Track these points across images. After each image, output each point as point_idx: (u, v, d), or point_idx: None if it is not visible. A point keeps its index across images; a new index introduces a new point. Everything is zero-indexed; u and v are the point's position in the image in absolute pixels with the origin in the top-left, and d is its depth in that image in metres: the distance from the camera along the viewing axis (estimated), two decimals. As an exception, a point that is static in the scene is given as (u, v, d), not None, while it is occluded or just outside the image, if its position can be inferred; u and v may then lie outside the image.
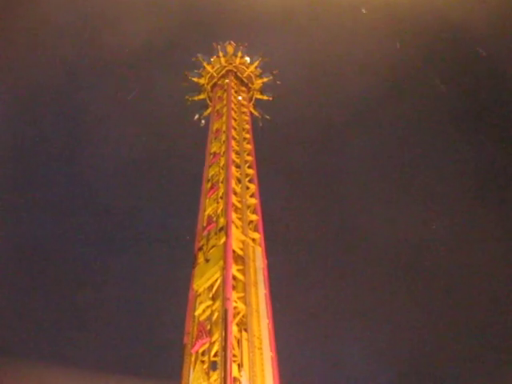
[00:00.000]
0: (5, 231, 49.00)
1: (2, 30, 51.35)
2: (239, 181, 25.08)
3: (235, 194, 23.69)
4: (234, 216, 21.58)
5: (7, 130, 52.18)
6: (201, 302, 18.42)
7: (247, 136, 30.38)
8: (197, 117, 36.78)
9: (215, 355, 16.09)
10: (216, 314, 17.30)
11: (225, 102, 33.29)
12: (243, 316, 17.41)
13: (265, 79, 37.91)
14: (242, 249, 20.09)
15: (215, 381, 15.26)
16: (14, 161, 53.66)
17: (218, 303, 17.55)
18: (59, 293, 46.64)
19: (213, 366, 15.92)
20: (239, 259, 19.70)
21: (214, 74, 37.24)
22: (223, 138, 28.91)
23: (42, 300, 46.15)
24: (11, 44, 52.96)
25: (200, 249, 21.08)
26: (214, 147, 28.84)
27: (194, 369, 16.30)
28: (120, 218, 53.23)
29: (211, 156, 28.05)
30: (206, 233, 21.69)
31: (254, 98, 37.22)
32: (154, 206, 53.36)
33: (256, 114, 36.75)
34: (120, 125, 54.21)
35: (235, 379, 14.98)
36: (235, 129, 30.09)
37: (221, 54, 37.76)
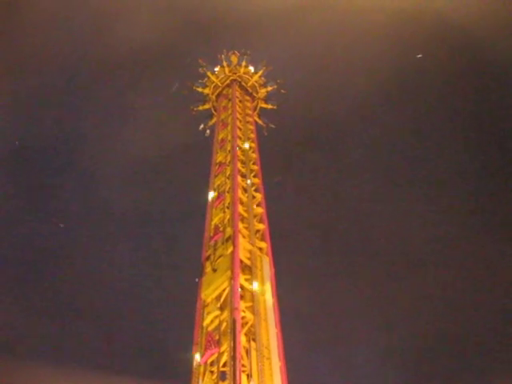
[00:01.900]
0: (8, 233, 49.22)
1: (2, 32, 51.70)
2: (245, 190, 25.11)
3: (242, 203, 23.71)
4: (240, 225, 21.61)
5: (13, 131, 52.47)
6: (209, 312, 18.47)
7: (252, 145, 30.44)
8: (202, 127, 36.87)
9: (224, 365, 16.08)
10: (224, 324, 17.29)
11: (230, 111, 33.38)
12: (251, 326, 17.41)
13: (269, 88, 37.99)
14: (249, 258, 20.10)
15: (224, 391, 15.25)
16: (17, 164, 54.04)
17: (226, 313, 17.56)
18: (65, 299, 46.80)
19: (222, 376, 15.92)
20: (246, 268, 19.72)
21: (219, 84, 37.36)
22: (228, 147, 28.99)
23: (47, 305, 46.30)
24: (13, 45, 53.30)
25: (207, 258, 21.12)
26: (219, 157, 28.91)
27: (203, 379, 16.30)
28: (127, 227, 53.38)
29: (217, 166, 28.12)
30: (213, 242, 21.73)
31: (258, 107, 37.31)
32: (160, 216, 53.44)
33: (261, 122, 36.84)
34: (126, 126, 54.43)
35: (244, 389, 14.98)
36: (240, 138, 30.16)
37: (225, 63, 37.90)
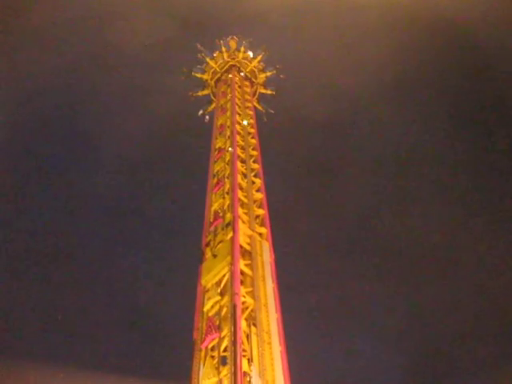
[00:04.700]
0: (8, 230, 49.25)
1: (3, 30, 51.56)
2: (245, 176, 25.04)
3: (241, 188, 23.65)
4: (240, 211, 21.54)
5: (11, 128, 52.36)
6: (209, 298, 18.43)
7: (252, 130, 30.33)
8: (201, 112, 36.77)
9: (225, 350, 16.08)
10: (225, 310, 17.29)
11: (229, 97, 33.25)
12: (252, 311, 17.40)
13: (268, 73, 37.83)
14: (249, 243, 20.05)
15: (225, 376, 15.25)
16: (18, 159, 53.98)
17: (226, 298, 17.54)
18: (63, 290, 46.82)
19: (223, 361, 15.92)
20: (246, 254, 19.67)
21: (218, 70, 37.20)
22: (228, 133, 28.90)
23: (45, 297, 46.33)
24: (13, 43, 53.10)
25: (207, 244, 21.09)
26: (218, 142, 28.81)
27: (203, 364, 16.31)
28: (126, 215, 53.40)
29: (216, 151, 28.04)
30: (212, 228, 21.69)
31: (257, 93, 37.15)
32: (160, 202, 53.49)
33: (260, 108, 36.70)
34: (127, 120, 54.37)
35: (245, 374, 14.99)
36: (239, 123, 30.06)
37: (224, 49, 37.70)
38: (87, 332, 43.48)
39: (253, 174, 25.80)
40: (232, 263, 18.33)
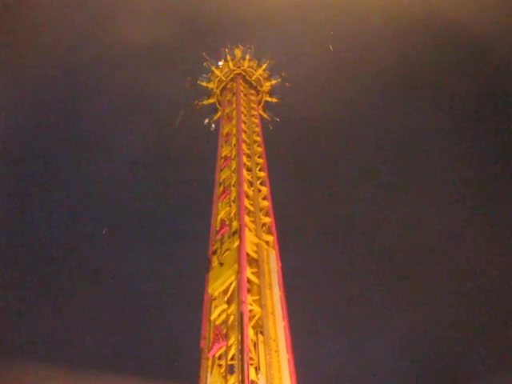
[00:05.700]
0: (9, 231, 49.41)
1: (3, 30, 51.95)
2: (251, 184, 25.06)
3: (247, 197, 23.68)
4: (246, 219, 21.57)
5: (13, 129, 52.61)
6: (216, 306, 18.47)
7: (257, 139, 30.33)
8: (207, 121, 36.85)
9: (232, 359, 16.08)
10: (232, 318, 17.30)
11: (234, 105, 33.33)
12: (259, 319, 17.40)
13: (273, 81, 37.91)
14: (255, 251, 20.06)
15: (233, 384, 15.27)
16: (20, 161, 54.24)
17: (233, 307, 17.56)
18: (69, 293, 46.94)
19: (230, 369, 15.92)
20: (253, 262, 19.67)
21: (223, 78, 37.29)
22: (234, 141, 28.95)
23: (48, 298, 46.46)
24: (15, 43, 53.47)
25: (214, 253, 21.12)
26: (224, 151, 28.87)
27: (211, 373, 16.33)
28: (134, 221, 53.52)
29: (222, 160, 28.10)
30: (219, 236, 21.73)
31: (263, 101, 37.21)
32: (168, 210, 53.59)
33: (266, 116, 36.77)
34: (131, 126, 54.62)
35: (253, 382, 14.97)
36: (245, 132, 30.11)
37: (229, 57, 37.81)
38: (92, 335, 43.63)
39: (259, 181, 25.84)
40: (239, 271, 18.35)
